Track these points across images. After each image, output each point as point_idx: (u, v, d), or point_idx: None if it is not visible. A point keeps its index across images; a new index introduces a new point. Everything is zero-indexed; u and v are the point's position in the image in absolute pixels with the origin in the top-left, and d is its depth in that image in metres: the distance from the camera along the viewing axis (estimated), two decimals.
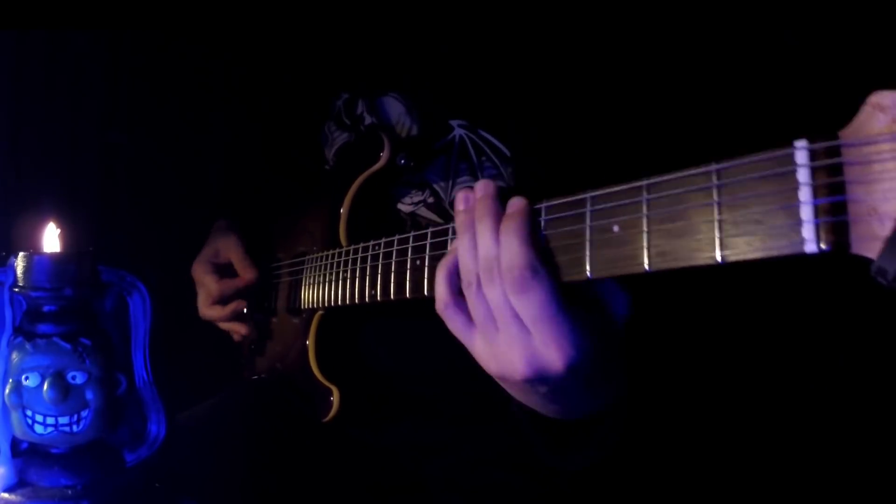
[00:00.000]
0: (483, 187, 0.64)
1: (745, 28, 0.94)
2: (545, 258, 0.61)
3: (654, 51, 0.89)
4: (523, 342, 0.60)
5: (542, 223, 0.63)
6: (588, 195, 0.60)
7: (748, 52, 0.93)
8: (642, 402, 0.72)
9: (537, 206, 0.64)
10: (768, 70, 0.94)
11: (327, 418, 1.01)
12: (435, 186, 0.98)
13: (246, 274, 1.14)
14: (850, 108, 0.45)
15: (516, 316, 0.60)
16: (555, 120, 0.91)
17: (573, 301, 0.61)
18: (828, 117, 0.48)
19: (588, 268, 0.59)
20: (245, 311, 1.18)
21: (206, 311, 1.18)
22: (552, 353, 0.60)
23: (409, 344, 1.00)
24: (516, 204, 0.62)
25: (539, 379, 0.61)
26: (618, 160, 0.86)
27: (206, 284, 1.16)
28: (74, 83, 1.43)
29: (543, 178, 0.91)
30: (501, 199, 0.64)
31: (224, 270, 1.17)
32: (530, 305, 0.59)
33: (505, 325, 0.61)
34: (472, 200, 0.65)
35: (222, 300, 1.15)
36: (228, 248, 1.17)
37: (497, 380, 0.65)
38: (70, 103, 1.43)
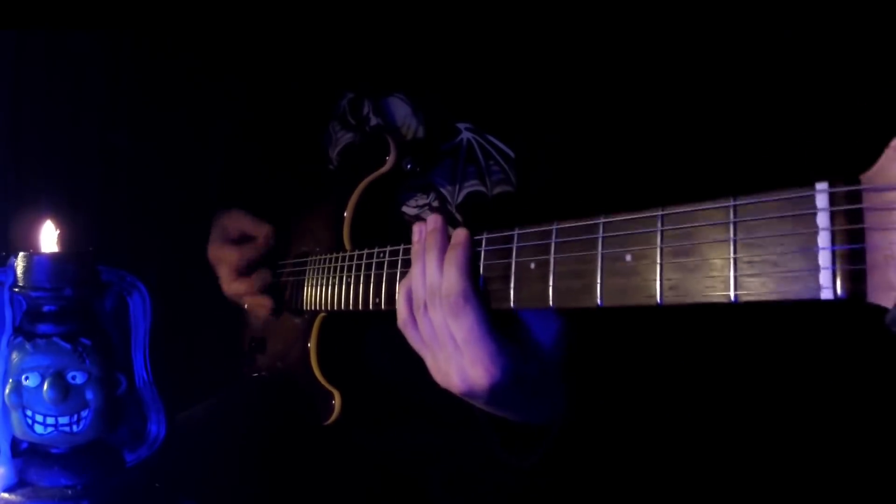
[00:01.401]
0: (433, 221, 0.73)
1: (771, 57, 0.93)
2: (483, 285, 0.68)
3: (669, 60, 0.89)
4: (457, 360, 0.69)
5: (483, 253, 0.69)
6: (601, 221, 0.59)
7: (770, 78, 0.92)
8: (601, 416, 0.77)
9: (478, 238, 0.70)
10: (786, 94, 0.93)
11: (328, 422, 1.01)
12: (441, 190, 0.98)
13: (262, 231, 1.12)
14: (871, 146, 0.44)
15: (452, 337, 0.69)
16: (562, 125, 0.90)
17: (503, 329, 0.69)
18: (849, 148, 0.47)
19: (598, 296, 0.58)
20: (271, 281, 1.15)
21: (232, 286, 1.14)
22: (478, 372, 0.67)
23: (411, 348, 1.00)
24: (458, 235, 0.71)
25: (470, 393, 0.70)
26: (624, 169, 0.85)
27: (227, 257, 1.13)
28: (74, 83, 1.43)
29: (548, 183, 0.91)
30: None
31: (240, 241, 1.16)
32: (461, 329, 0.67)
33: (443, 344, 0.70)
34: (423, 233, 0.74)
35: (248, 268, 1.13)
36: (236, 220, 1.15)
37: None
38: (70, 103, 1.43)
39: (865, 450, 1.00)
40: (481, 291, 0.69)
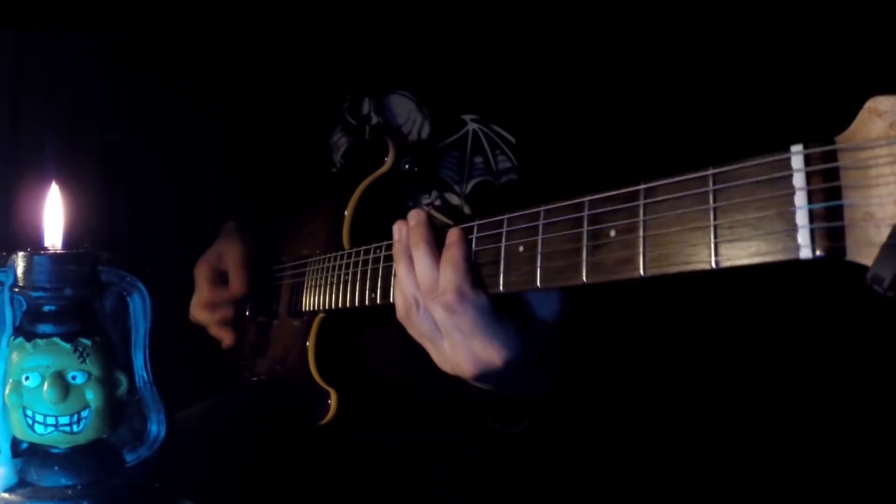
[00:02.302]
0: (415, 216, 0.73)
1: (747, 30, 0.94)
2: (480, 274, 0.69)
3: (661, 49, 0.90)
4: (467, 348, 0.70)
5: (474, 240, 0.70)
6: (586, 199, 0.60)
7: (750, 53, 0.93)
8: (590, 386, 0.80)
9: (469, 225, 0.70)
10: (769, 73, 0.95)
11: (324, 421, 1.01)
12: (450, 182, 0.98)
13: (234, 287, 1.16)
14: (848, 113, 0.45)
15: (458, 328, 0.69)
16: (563, 114, 0.91)
17: (505, 309, 0.70)
18: (827, 122, 0.48)
19: (584, 273, 0.59)
20: (236, 318, 1.19)
21: (195, 313, 1.20)
22: (492, 354, 0.69)
23: (410, 348, 1.00)
24: (452, 235, 0.71)
25: (483, 376, 0.71)
26: (623, 155, 0.86)
27: (199, 289, 1.17)
28: (74, 83, 1.43)
29: (550, 172, 0.92)
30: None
31: (223, 276, 1.18)
32: (465, 322, 0.69)
33: (448, 334, 0.70)
34: (405, 230, 0.74)
35: (210, 307, 1.17)
36: (229, 257, 1.17)
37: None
38: (70, 103, 1.43)
39: (854, 411, 1.01)
40: (479, 282, 0.70)
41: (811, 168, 0.45)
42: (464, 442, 0.97)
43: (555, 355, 0.74)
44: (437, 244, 0.72)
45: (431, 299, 0.70)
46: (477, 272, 0.70)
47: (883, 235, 0.41)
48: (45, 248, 0.67)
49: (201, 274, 1.18)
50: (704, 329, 0.91)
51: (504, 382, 0.74)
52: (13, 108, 1.36)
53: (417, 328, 0.74)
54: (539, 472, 0.93)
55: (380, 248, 0.85)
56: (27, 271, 0.64)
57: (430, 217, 0.74)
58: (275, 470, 0.97)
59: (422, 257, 0.71)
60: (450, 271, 0.69)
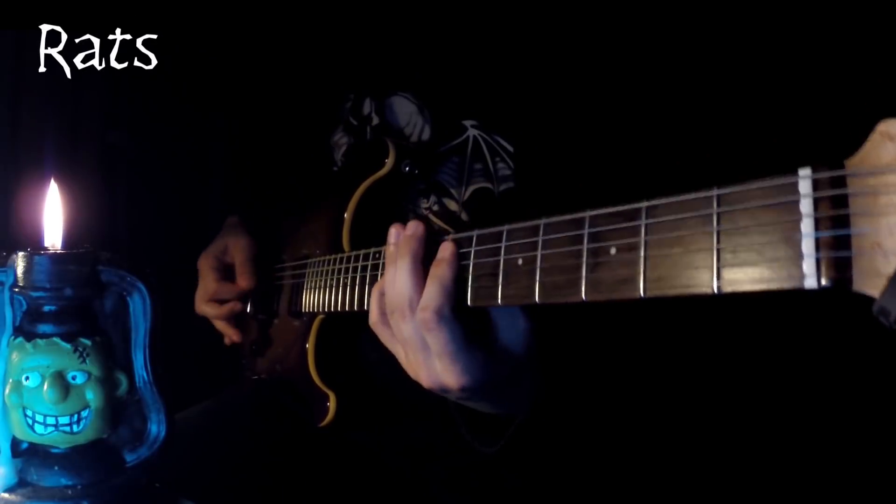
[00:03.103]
0: (413, 227, 0.71)
1: (756, 43, 0.93)
2: (471, 284, 0.67)
3: (666, 63, 0.89)
4: (428, 365, 0.70)
5: (472, 252, 0.68)
6: (587, 215, 0.59)
7: (758, 66, 0.93)
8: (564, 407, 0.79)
9: (468, 235, 0.68)
10: (779, 88, 0.94)
11: (322, 423, 1.00)
12: (448, 188, 0.98)
13: (242, 282, 1.15)
14: (859, 134, 0.43)
15: (426, 346, 0.69)
16: (562, 126, 0.91)
17: (477, 336, 0.69)
18: (836, 143, 0.47)
19: (583, 290, 0.58)
20: (242, 314, 1.19)
21: (202, 307, 1.18)
22: (450, 378, 0.68)
23: None
24: (445, 250, 0.69)
25: (440, 392, 0.72)
26: (622, 168, 0.86)
27: (206, 281, 1.16)
28: (74, 83, 1.43)
29: (547, 183, 0.91)
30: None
31: (228, 270, 1.17)
32: (436, 342, 0.68)
33: (414, 350, 0.70)
34: (399, 236, 0.73)
35: (218, 300, 1.16)
36: (236, 250, 1.17)
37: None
38: (70, 103, 1.43)
39: (855, 441, 1.00)
40: (462, 305, 0.68)
41: (819, 194, 0.43)
42: (463, 443, 0.97)
43: (519, 382, 0.74)
44: (424, 259, 0.71)
45: (406, 312, 0.69)
46: (470, 280, 0.69)
47: (891, 267, 0.40)
48: (45, 248, 0.67)
49: (207, 266, 1.17)
50: (695, 354, 0.90)
51: (460, 400, 0.75)
52: (13, 108, 1.36)
53: (390, 332, 0.73)
54: (539, 473, 0.93)
55: (379, 252, 0.85)
56: (27, 271, 0.64)
57: (426, 230, 0.72)
58: (275, 470, 0.97)
59: (404, 270, 0.70)
60: (435, 290, 0.67)
